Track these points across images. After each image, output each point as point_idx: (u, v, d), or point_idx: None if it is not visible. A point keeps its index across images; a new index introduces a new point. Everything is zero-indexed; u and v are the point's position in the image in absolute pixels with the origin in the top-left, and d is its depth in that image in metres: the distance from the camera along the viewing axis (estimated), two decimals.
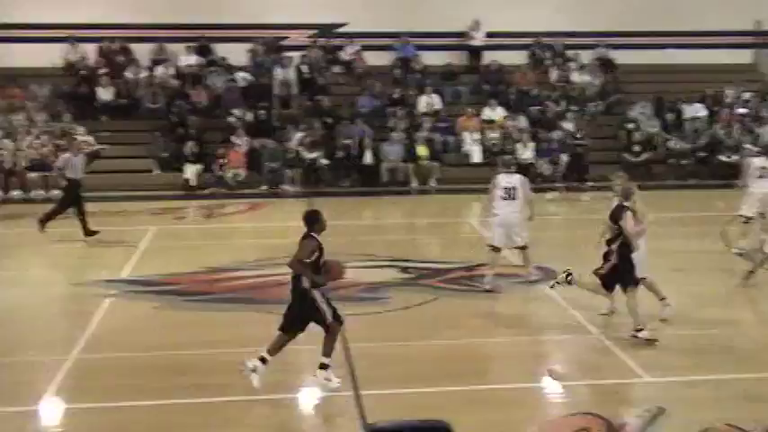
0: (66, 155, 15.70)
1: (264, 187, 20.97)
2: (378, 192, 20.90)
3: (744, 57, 26.44)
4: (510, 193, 12.33)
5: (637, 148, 21.71)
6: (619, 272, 10.00)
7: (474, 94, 24.34)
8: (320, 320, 8.52)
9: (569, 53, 25.15)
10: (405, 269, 13.58)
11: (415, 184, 21.29)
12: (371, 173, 21.35)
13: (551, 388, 9.25)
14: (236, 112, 22.55)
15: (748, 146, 17.34)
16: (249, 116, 22.48)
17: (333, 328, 8.58)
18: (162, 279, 13.07)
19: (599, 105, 23.96)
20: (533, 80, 24.29)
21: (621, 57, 25.16)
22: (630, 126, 22.59)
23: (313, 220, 8.66)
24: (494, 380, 9.10)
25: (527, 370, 9.51)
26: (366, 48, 24.71)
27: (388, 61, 24.84)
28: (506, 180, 12.45)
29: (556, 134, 22.49)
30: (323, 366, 8.61)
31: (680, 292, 11.93)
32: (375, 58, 24.78)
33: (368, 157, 21.38)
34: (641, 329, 9.90)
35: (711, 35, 25.25)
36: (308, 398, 8.97)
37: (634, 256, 10.16)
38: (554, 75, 24.59)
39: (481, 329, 10.76)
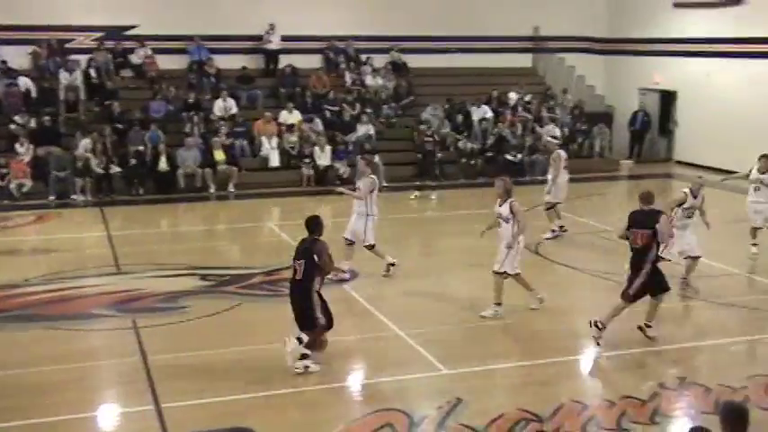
0: None
1: (52, 198, 19.89)
2: (175, 199, 20.35)
3: (525, 61, 28.02)
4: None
5: (430, 149, 22.42)
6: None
7: (270, 98, 24.26)
8: (311, 322, 9.20)
9: (363, 57, 25.63)
10: (204, 277, 13.31)
11: (213, 189, 20.92)
12: (167, 179, 20.75)
13: (355, 386, 9.39)
14: (18, 118, 21.22)
15: (549, 138, 18.36)
16: (33, 123, 21.24)
17: (320, 331, 9.28)
18: None
19: (393, 108, 24.55)
20: (328, 83, 24.54)
21: (413, 61, 25.94)
22: (423, 128, 23.31)
23: (316, 225, 9.31)
24: (298, 383, 9.09)
25: (331, 370, 9.57)
26: (158, 51, 24.01)
27: (182, 65, 24.28)
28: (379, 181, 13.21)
29: (352, 137, 22.87)
30: (303, 356, 9.23)
31: (475, 286, 12.46)
32: (167, 62, 24.13)
33: (163, 164, 20.78)
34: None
35: (496, 40, 26.57)
36: (107, 415, 8.62)
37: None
38: (348, 78, 24.96)
39: (285, 334, 10.71)
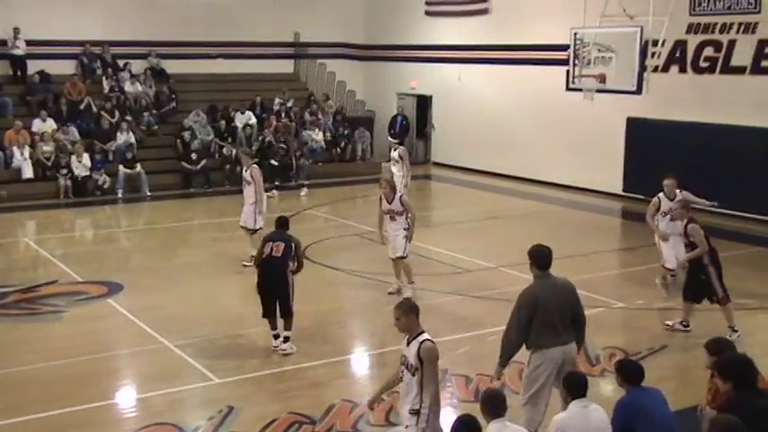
0: None
1: None
2: None
3: (287, 66, 28.31)
4: None
5: (194, 156, 22.14)
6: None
7: (21, 106, 22.91)
8: (287, 301, 10.06)
9: (121, 62, 24.78)
10: None
11: None
12: None
13: (125, 403, 9.15)
14: None
15: (390, 138, 18.80)
16: None
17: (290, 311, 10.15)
18: None
19: (154, 115, 23.94)
20: (84, 90, 23.51)
21: (175, 66, 25.42)
22: (186, 134, 22.94)
23: (287, 222, 10.58)
24: (66, 403, 8.70)
25: (100, 388, 9.25)
26: None
27: None
28: None
29: (112, 145, 22.10)
30: (287, 339, 10.15)
31: (243, 291, 12.46)
32: None
33: None
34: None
35: (258, 46, 26.65)
36: None
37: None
38: (106, 85, 24.06)
39: (48, 353, 10.23)
